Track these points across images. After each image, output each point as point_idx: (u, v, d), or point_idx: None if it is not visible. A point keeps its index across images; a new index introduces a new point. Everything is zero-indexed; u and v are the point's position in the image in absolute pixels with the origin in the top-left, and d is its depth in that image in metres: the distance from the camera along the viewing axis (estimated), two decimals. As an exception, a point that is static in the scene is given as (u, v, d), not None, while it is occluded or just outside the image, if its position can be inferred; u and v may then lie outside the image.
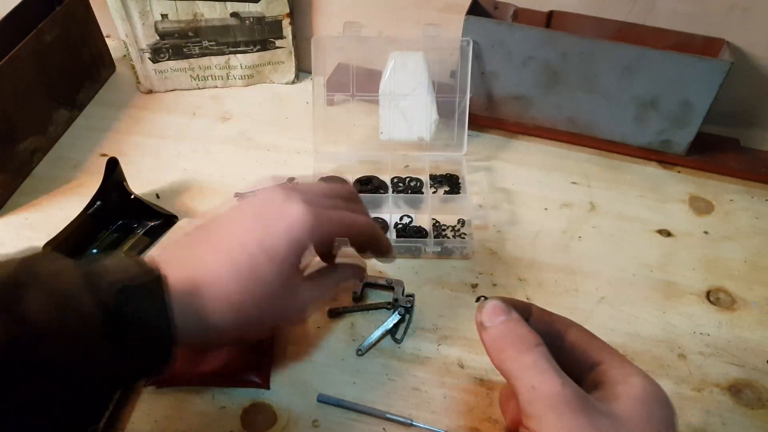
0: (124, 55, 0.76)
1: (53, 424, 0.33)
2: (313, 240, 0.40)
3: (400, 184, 0.67)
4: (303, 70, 0.82)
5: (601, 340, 0.35)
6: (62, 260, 0.35)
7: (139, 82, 0.78)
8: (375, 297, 0.56)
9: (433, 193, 0.67)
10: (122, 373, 0.35)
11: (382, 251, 0.48)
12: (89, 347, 0.33)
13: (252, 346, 0.50)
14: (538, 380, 0.31)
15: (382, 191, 0.66)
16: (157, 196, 0.65)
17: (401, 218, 0.63)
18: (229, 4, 0.73)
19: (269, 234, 0.39)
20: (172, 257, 0.40)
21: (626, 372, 0.33)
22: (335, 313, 0.54)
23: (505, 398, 0.38)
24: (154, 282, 0.36)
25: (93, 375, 0.33)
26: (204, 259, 0.39)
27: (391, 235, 0.61)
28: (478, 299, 0.37)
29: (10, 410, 0.31)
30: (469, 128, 0.68)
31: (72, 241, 0.57)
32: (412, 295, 0.55)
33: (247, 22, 0.75)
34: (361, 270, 0.49)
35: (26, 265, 0.33)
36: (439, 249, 0.59)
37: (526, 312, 0.36)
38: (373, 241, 0.46)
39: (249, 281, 0.38)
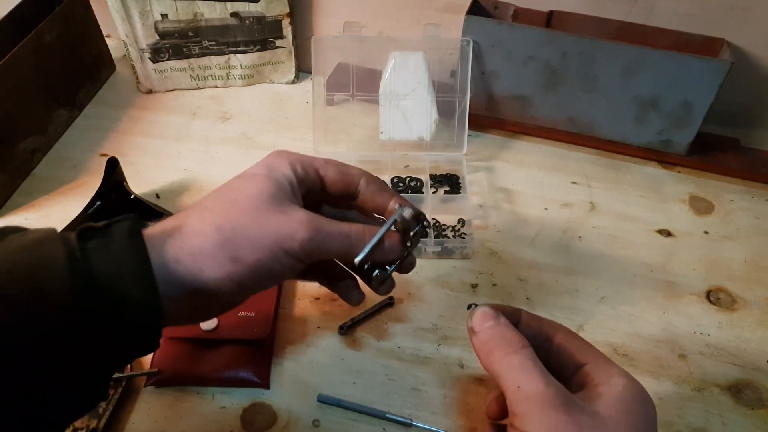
0: (124, 55, 0.76)
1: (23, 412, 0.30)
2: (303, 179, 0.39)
3: (400, 184, 0.67)
4: (303, 70, 0.82)
5: (587, 342, 0.37)
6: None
7: (139, 82, 0.78)
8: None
9: (433, 193, 0.67)
10: (100, 340, 0.31)
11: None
12: (55, 304, 0.29)
13: (252, 346, 0.50)
14: (524, 380, 0.33)
15: (382, 191, 0.66)
16: (157, 196, 0.65)
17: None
18: (229, 4, 0.73)
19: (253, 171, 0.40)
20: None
21: (609, 373, 0.34)
22: (345, 329, 0.53)
23: (491, 401, 0.40)
24: (122, 223, 0.33)
25: (61, 346, 0.29)
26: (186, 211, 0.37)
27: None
28: (469, 306, 0.38)
29: None
30: (469, 128, 0.68)
31: (72, 241, 0.57)
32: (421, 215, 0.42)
33: (247, 22, 0.75)
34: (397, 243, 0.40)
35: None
36: (439, 249, 0.59)
37: (515, 317, 0.38)
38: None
39: (226, 201, 0.36)
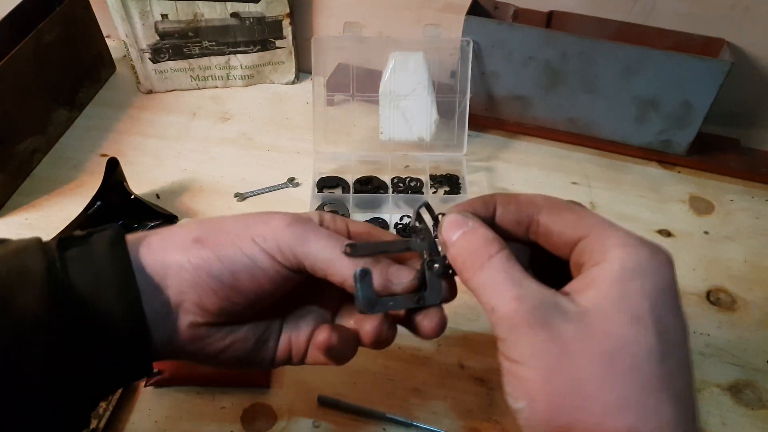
0: (124, 56, 0.76)
1: None
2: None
3: (400, 185, 0.67)
4: (303, 70, 0.82)
5: (581, 210, 0.30)
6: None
7: (139, 82, 0.78)
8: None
9: (433, 193, 0.67)
10: (78, 367, 0.28)
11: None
12: (28, 319, 0.27)
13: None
14: (496, 299, 0.27)
15: (382, 191, 0.66)
16: (157, 196, 0.65)
17: (401, 218, 0.63)
18: (229, 4, 0.73)
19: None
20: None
21: (607, 245, 0.27)
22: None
23: None
24: (104, 232, 0.31)
25: (33, 366, 0.27)
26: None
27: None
28: (436, 217, 0.33)
29: None
30: (469, 128, 0.68)
31: (72, 241, 0.57)
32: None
33: (247, 22, 0.75)
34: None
35: None
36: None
37: (489, 208, 0.32)
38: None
39: (211, 221, 0.34)
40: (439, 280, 0.33)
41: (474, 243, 0.29)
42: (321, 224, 0.34)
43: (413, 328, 0.34)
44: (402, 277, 0.33)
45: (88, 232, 0.31)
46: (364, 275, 0.31)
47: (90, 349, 0.28)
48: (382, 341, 0.34)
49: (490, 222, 0.31)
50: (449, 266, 0.31)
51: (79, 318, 0.28)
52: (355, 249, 0.32)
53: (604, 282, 0.26)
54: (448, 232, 0.31)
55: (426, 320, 0.33)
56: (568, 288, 0.28)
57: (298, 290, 0.35)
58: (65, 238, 0.30)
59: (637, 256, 0.26)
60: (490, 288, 0.28)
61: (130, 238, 0.32)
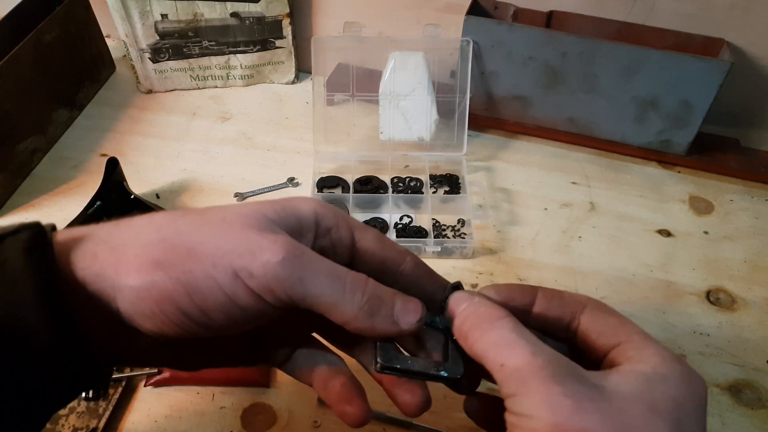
0: (124, 55, 0.76)
1: None
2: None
3: (400, 184, 0.67)
4: (303, 70, 0.82)
5: (622, 317, 0.30)
6: None
7: (139, 82, 0.78)
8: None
9: (433, 193, 0.67)
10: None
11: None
12: None
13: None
14: (506, 355, 0.26)
15: (382, 191, 0.66)
16: (157, 196, 0.65)
17: (401, 218, 0.63)
18: (229, 4, 0.73)
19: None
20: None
21: (647, 352, 0.27)
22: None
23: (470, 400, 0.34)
24: (19, 234, 0.25)
25: None
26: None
27: (391, 235, 0.61)
28: (452, 289, 0.32)
29: None
30: (469, 128, 0.68)
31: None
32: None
33: (247, 22, 0.75)
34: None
35: None
36: (439, 249, 0.59)
37: (527, 297, 0.31)
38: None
39: (196, 210, 0.29)
40: (459, 355, 0.31)
41: (481, 309, 0.29)
42: (317, 231, 0.30)
43: (397, 398, 0.32)
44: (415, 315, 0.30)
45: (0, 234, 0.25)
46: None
47: (7, 372, 0.24)
48: (419, 408, 0.32)
49: (525, 311, 0.31)
50: None
51: None
52: (386, 369, 0.30)
53: (631, 374, 0.26)
54: (454, 307, 0.30)
55: (408, 394, 0.31)
56: (583, 370, 0.26)
57: None
58: None
59: (673, 367, 0.26)
60: (499, 346, 0.27)
61: (62, 237, 0.26)
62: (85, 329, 0.25)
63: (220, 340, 0.31)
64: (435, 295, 0.32)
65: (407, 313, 0.29)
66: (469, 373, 0.31)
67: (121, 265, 0.26)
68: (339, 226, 0.30)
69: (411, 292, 0.31)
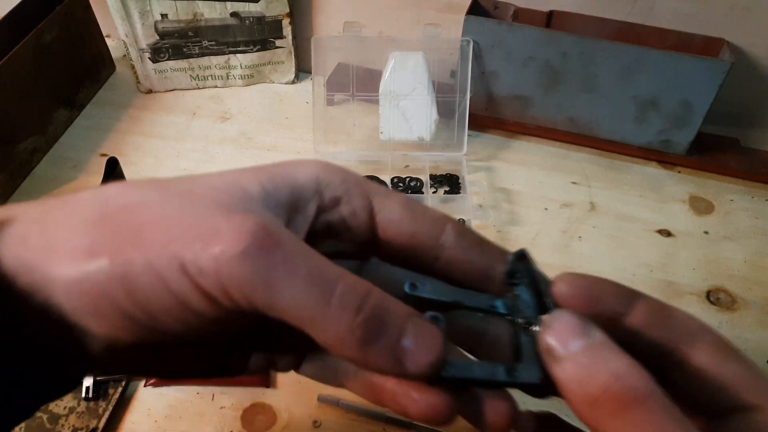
0: (124, 55, 0.76)
1: None
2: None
3: (400, 184, 0.67)
4: (303, 70, 0.82)
5: (754, 368, 0.22)
6: None
7: (139, 82, 0.78)
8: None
9: (433, 193, 0.67)
10: None
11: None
12: None
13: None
14: None
15: (382, 191, 0.66)
16: (157, 196, 0.65)
17: (401, 218, 0.63)
18: (229, 4, 0.73)
19: None
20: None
21: None
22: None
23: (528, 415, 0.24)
24: None
25: None
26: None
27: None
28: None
29: None
30: (469, 128, 0.68)
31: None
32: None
33: (247, 22, 0.75)
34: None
35: None
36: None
37: (624, 306, 0.22)
38: None
39: (160, 179, 0.23)
40: (534, 353, 0.22)
41: (612, 366, 0.19)
42: (321, 203, 0.23)
43: (472, 416, 0.22)
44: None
45: None
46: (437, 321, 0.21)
47: None
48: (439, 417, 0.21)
49: (614, 318, 0.22)
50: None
51: None
52: (444, 379, 0.20)
53: None
54: (562, 338, 0.20)
55: (492, 407, 0.22)
56: None
57: None
58: None
59: None
60: None
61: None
62: (27, 332, 0.20)
63: (200, 347, 0.25)
64: (491, 270, 0.24)
65: (419, 350, 0.20)
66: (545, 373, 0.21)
67: (51, 248, 0.19)
68: (351, 194, 0.23)
69: (457, 270, 0.24)
